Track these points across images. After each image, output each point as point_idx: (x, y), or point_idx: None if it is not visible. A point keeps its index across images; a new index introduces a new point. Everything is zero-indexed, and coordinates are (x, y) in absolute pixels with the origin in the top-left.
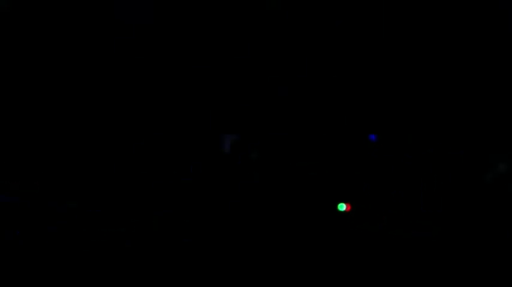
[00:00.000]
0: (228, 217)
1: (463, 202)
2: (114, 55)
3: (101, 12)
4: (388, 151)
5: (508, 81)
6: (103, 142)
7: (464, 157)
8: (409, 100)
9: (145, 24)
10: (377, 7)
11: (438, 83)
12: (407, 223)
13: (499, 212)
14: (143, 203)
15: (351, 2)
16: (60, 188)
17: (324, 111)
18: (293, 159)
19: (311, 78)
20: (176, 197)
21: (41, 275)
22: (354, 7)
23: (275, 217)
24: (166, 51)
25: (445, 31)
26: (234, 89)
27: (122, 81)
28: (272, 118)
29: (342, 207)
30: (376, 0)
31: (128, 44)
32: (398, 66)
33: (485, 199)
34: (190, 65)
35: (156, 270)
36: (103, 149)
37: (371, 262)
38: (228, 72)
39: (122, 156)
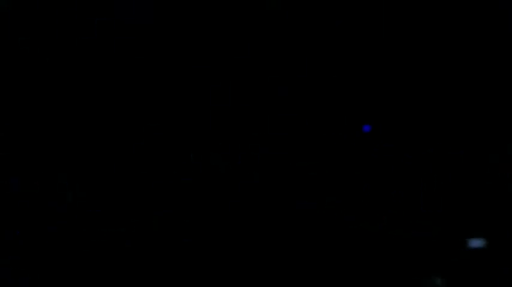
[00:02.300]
0: (228, 217)
1: (463, 201)
2: (114, 55)
3: (100, 11)
4: (387, 151)
5: (508, 81)
6: (103, 142)
7: (464, 156)
8: (410, 100)
9: (146, 24)
10: (377, 7)
11: (438, 82)
12: (407, 223)
13: (499, 212)
14: (143, 203)
15: (351, 2)
16: (60, 188)
17: (323, 111)
18: (293, 159)
19: (311, 78)
20: (176, 197)
21: (41, 276)
22: (354, 7)
23: (275, 216)
24: (166, 51)
25: (445, 31)
26: (234, 89)
27: (122, 80)
28: (272, 118)
29: None
30: (376, 0)
31: (128, 44)
32: (398, 66)
33: (486, 198)
34: (190, 65)
35: (156, 270)
36: (103, 149)
37: (371, 262)
38: (228, 72)
39: (121, 156)
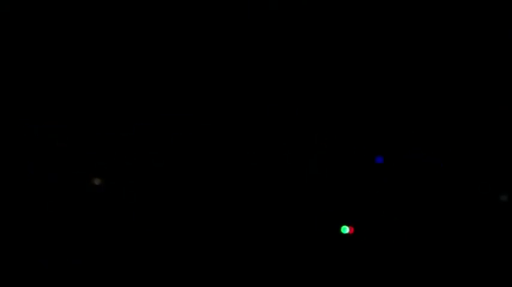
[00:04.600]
0: (228, 217)
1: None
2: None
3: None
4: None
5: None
6: (107, 139)
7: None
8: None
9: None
10: (377, 8)
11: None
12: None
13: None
14: (143, 202)
15: (351, 2)
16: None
17: (324, 121)
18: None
19: (312, 84)
20: (176, 196)
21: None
22: (354, 7)
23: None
24: (165, 50)
25: (445, 35)
26: (232, 90)
27: (120, 80)
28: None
29: (345, 230)
30: (376, 1)
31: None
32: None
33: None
34: (189, 64)
35: (156, 270)
36: (105, 148)
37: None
38: (227, 72)
39: (120, 157)
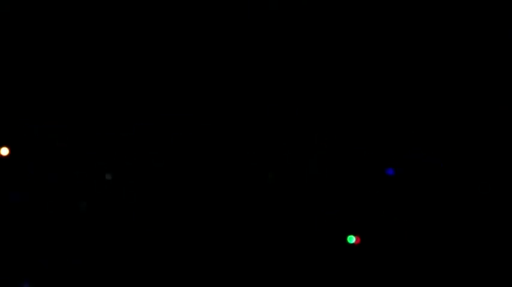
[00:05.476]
0: (227, 217)
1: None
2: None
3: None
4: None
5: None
6: (107, 139)
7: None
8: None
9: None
10: (377, 8)
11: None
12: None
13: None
14: (143, 202)
15: (350, 2)
16: (59, 194)
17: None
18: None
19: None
20: (175, 196)
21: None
22: (354, 7)
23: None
24: (165, 50)
25: (445, 38)
26: (231, 91)
27: (120, 79)
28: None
29: (352, 239)
30: (376, 1)
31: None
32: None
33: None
34: (189, 64)
35: (155, 270)
36: (105, 149)
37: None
38: (226, 73)
39: (120, 157)
